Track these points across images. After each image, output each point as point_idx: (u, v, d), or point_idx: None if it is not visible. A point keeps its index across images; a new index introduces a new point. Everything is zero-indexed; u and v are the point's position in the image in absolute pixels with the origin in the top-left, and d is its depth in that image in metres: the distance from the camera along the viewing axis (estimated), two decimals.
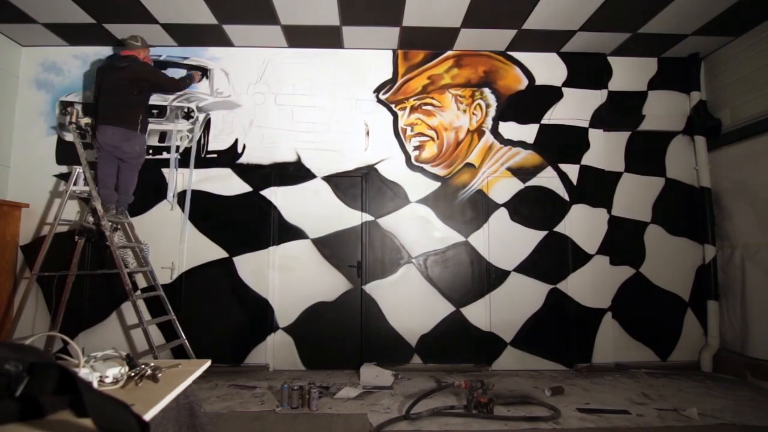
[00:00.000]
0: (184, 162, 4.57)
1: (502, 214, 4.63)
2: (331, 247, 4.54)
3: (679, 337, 4.60)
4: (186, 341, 4.07)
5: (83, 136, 4.09)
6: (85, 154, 3.97)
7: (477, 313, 4.50)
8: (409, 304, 4.49)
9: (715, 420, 3.10)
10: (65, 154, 4.53)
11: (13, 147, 4.53)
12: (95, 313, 4.36)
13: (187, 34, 4.47)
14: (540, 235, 4.62)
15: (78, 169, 4.02)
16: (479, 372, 4.36)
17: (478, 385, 3.26)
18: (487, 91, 4.80)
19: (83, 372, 1.25)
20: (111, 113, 3.84)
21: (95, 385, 1.25)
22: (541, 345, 4.50)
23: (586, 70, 4.84)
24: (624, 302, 4.60)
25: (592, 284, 4.57)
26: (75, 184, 4.02)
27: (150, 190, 4.49)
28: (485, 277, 4.54)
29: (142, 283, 4.41)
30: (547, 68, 4.84)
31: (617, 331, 4.57)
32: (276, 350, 4.41)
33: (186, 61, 4.71)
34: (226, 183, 4.57)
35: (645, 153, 4.81)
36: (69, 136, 4.54)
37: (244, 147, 4.63)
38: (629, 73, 4.88)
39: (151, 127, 4.55)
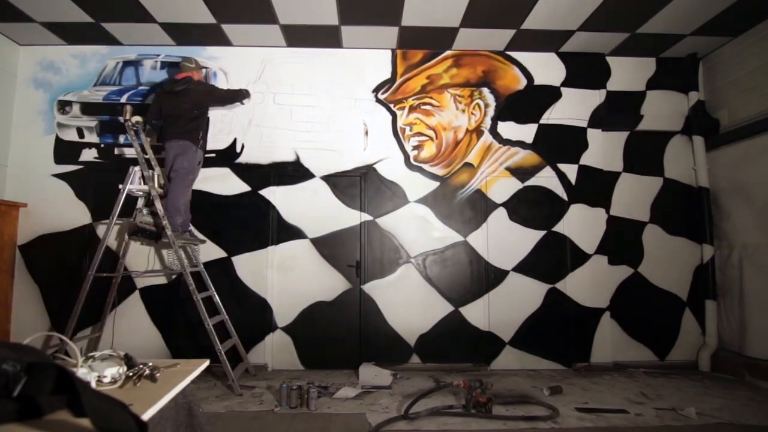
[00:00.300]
0: None
1: (501, 213, 4.63)
2: (329, 246, 4.54)
3: (677, 337, 4.61)
4: (238, 340, 4.17)
5: (137, 134, 4.04)
6: (141, 153, 3.98)
7: (476, 313, 4.50)
8: (407, 303, 4.49)
9: (713, 419, 3.11)
10: (64, 153, 4.52)
11: (11, 146, 4.52)
12: (95, 313, 4.34)
13: (185, 34, 4.46)
14: (539, 234, 4.63)
15: (135, 169, 4.01)
16: (478, 372, 4.36)
17: (477, 385, 3.26)
18: (485, 90, 4.80)
19: (81, 372, 1.25)
20: (173, 130, 3.97)
21: (93, 385, 1.25)
22: (540, 344, 4.51)
23: (585, 70, 4.84)
24: (622, 302, 4.60)
25: (591, 284, 4.57)
26: (131, 183, 3.98)
27: None
28: (484, 277, 4.55)
29: (143, 283, 4.40)
30: (546, 68, 4.84)
31: (616, 331, 4.58)
32: (275, 350, 4.41)
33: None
34: (225, 182, 4.57)
35: (643, 153, 4.82)
36: (68, 135, 4.54)
37: (242, 146, 4.62)
38: (628, 73, 4.88)
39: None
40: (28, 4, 3.93)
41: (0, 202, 4.18)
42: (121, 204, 3.89)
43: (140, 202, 4.11)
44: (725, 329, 4.49)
